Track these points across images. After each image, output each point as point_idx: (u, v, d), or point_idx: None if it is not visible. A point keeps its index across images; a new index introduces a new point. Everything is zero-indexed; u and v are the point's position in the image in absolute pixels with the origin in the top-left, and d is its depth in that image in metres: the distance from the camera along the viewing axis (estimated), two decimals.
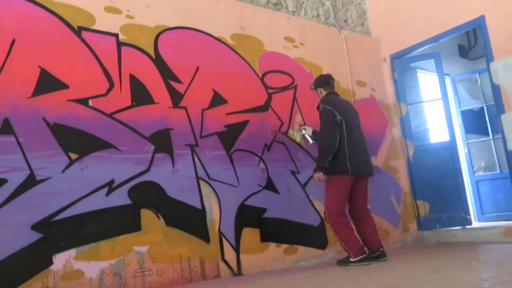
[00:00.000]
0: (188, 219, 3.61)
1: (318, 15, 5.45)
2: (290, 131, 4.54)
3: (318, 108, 3.98)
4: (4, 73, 3.01)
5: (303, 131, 4.45)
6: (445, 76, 5.99)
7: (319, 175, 3.83)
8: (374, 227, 4.00)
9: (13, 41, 3.10)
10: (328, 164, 3.80)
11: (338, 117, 3.81)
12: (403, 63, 5.74)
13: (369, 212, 4.05)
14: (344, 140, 3.81)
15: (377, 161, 5.24)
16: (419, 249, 4.64)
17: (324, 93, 4.10)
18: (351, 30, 5.76)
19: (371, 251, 3.87)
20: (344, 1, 5.87)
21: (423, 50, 5.56)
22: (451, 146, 5.35)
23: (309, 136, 4.39)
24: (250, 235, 3.94)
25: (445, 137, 5.44)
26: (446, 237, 5.13)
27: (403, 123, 5.63)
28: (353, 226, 3.95)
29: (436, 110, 5.78)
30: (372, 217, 4.05)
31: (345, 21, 5.79)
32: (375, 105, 5.53)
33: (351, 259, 3.73)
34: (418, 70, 5.95)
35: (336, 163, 3.80)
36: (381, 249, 3.88)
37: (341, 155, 3.79)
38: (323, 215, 4.21)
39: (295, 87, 4.72)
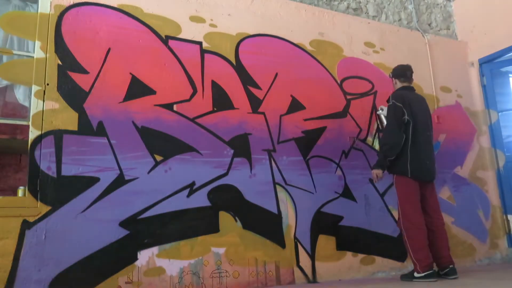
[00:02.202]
0: (264, 224, 3.65)
1: (400, 19, 5.27)
2: (369, 138, 4.42)
3: (387, 101, 3.77)
4: (100, 79, 3.27)
5: (380, 110, 4.10)
6: None
7: (378, 172, 3.64)
8: (446, 241, 3.66)
9: (109, 50, 3.35)
10: (390, 163, 3.62)
11: (406, 117, 3.60)
12: (493, 67, 5.37)
13: (442, 222, 3.71)
14: (408, 142, 3.60)
15: (463, 171, 4.94)
16: (509, 268, 4.28)
17: (398, 85, 3.88)
18: (435, 33, 5.50)
19: (440, 267, 3.57)
20: (428, 4, 5.63)
21: None
22: None
23: (385, 117, 3.94)
24: (326, 242, 3.88)
25: None
26: None
27: (492, 132, 5.26)
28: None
29: None
30: (445, 230, 3.70)
31: (429, 24, 5.54)
32: (461, 112, 5.22)
33: (416, 274, 3.47)
34: (510, 75, 5.52)
35: (397, 163, 3.61)
36: (451, 266, 3.55)
37: (402, 157, 3.59)
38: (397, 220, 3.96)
39: (375, 93, 4.60)
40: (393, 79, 3.97)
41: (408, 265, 4.21)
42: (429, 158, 3.69)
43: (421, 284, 3.36)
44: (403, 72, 3.89)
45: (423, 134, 3.68)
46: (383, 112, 4.04)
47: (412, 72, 3.92)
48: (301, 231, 3.79)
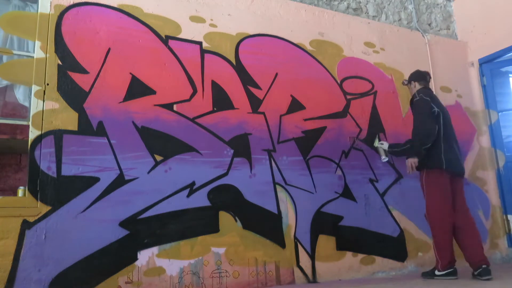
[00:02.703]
0: (264, 223, 3.65)
1: (400, 19, 5.27)
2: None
3: (411, 100, 3.84)
4: (100, 79, 3.27)
5: (380, 144, 4.14)
6: None
7: (414, 160, 3.58)
8: (477, 238, 3.54)
9: (108, 50, 3.35)
10: (422, 157, 3.59)
11: (436, 109, 3.67)
12: (493, 67, 5.37)
13: (472, 219, 3.64)
14: (440, 133, 3.63)
15: None
16: (508, 268, 4.28)
17: (418, 87, 3.93)
18: (435, 33, 5.50)
19: (473, 267, 3.49)
20: (428, 4, 5.63)
21: None
22: None
23: (384, 150, 4.07)
24: (326, 242, 3.88)
25: None
26: None
27: (492, 132, 5.26)
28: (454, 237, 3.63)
29: None
30: (477, 228, 3.61)
31: (429, 24, 5.55)
32: (461, 112, 5.22)
33: (436, 272, 3.54)
34: (510, 75, 5.52)
35: (430, 156, 3.59)
36: (484, 266, 3.40)
37: (436, 148, 3.59)
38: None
39: (375, 93, 4.60)
40: (412, 83, 4.02)
41: (407, 265, 4.22)
42: (458, 152, 3.73)
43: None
44: (423, 76, 3.98)
45: (450, 128, 3.75)
46: (383, 146, 4.10)
47: (430, 77, 4.04)
48: (301, 231, 3.78)
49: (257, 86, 3.92)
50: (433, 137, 3.56)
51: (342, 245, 3.94)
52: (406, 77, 4.66)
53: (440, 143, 3.62)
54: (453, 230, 3.59)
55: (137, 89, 3.40)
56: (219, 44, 3.85)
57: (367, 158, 4.33)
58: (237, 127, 3.73)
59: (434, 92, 4.04)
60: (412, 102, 3.86)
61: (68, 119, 3.11)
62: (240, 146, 3.70)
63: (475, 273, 3.47)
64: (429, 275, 3.63)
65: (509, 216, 5.02)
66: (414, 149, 3.62)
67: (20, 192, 3.05)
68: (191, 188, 3.42)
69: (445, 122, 3.72)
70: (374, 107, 4.54)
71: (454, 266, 3.53)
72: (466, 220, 3.60)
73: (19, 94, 3.74)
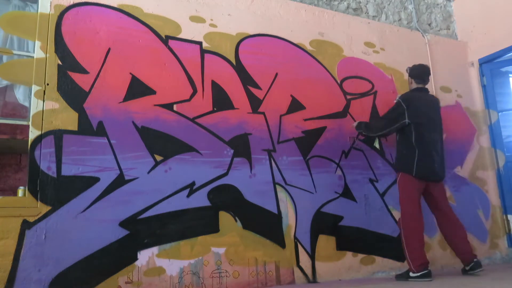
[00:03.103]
0: (264, 223, 3.65)
1: (400, 19, 5.28)
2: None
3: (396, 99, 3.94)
4: (100, 79, 3.27)
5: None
6: None
7: (354, 125, 4.10)
8: (464, 236, 3.72)
9: (108, 50, 3.35)
10: (396, 161, 3.90)
11: (407, 120, 3.73)
12: (493, 67, 5.37)
13: (455, 217, 3.79)
14: (412, 142, 3.71)
15: (463, 171, 4.95)
16: (509, 268, 4.28)
17: (413, 85, 4.00)
18: (435, 33, 5.50)
19: (464, 263, 3.68)
20: (428, 4, 5.64)
21: None
22: None
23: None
24: (326, 242, 3.88)
25: None
26: None
27: (492, 132, 5.26)
28: (446, 238, 3.81)
29: None
30: (462, 225, 3.77)
31: (429, 24, 5.55)
32: (461, 112, 5.22)
33: (411, 274, 3.53)
34: (510, 75, 5.52)
35: (403, 161, 3.76)
36: (475, 260, 3.62)
37: (409, 156, 3.71)
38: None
39: (375, 93, 4.60)
40: (409, 78, 4.08)
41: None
42: (436, 159, 3.74)
43: (420, 283, 3.37)
44: (421, 74, 3.99)
45: (430, 135, 3.76)
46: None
47: (429, 74, 4.04)
48: (301, 231, 3.78)
49: (257, 86, 3.92)
50: (374, 132, 3.93)
51: (342, 245, 3.94)
52: (406, 77, 4.69)
53: (414, 151, 3.70)
54: (444, 232, 3.79)
55: (137, 89, 3.40)
56: (219, 44, 3.85)
57: (367, 158, 4.33)
58: (237, 127, 3.73)
59: (429, 92, 4.04)
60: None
61: (68, 119, 3.11)
62: (240, 146, 3.70)
63: (467, 268, 3.63)
64: (403, 277, 3.61)
65: (509, 216, 5.02)
66: (359, 125, 4.04)
67: (20, 192, 3.06)
68: (191, 188, 3.42)
69: (424, 129, 3.74)
70: (374, 107, 4.54)
71: (428, 268, 3.53)
72: (449, 219, 3.76)
73: (19, 94, 3.74)
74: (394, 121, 3.78)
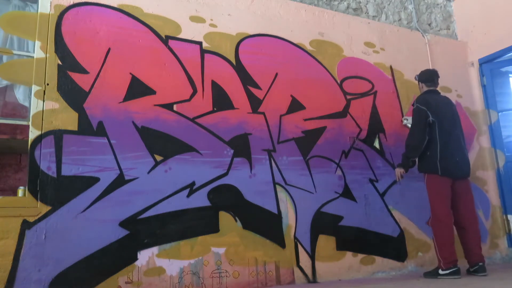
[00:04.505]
0: (264, 223, 3.64)
1: (400, 19, 5.28)
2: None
3: (412, 104, 3.98)
4: (100, 79, 3.27)
5: (405, 121, 4.50)
6: None
7: (401, 170, 3.87)
8: (477, 238, 3.78)
9: (108, 50, 3.35)
10: (420, 162, 3.85)
11: (431, 118, 3.76)
12: (493, 67, 5.37)
13: (476, 220, 3.85)
14: (436, 140, 3.75)
15: None
16: (509, 268, 4.28)
17: (424, 89, 4.06)
18: (435, 33, 5.50)
19: (470, 264, 3.72)
20: (428, 4, 5.63)
21: None
22: None
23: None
24: (326, 242, 3.88)
25: None
26: None
27: (492, 132, 5.26)
28: (458, 236, 3.82)
29: None
30: (478, 228, 3.82)
31: (429, 24, 5.55)
32: (461, 112, 5.18)
33: (440, 271, 3.59)
34: (510, 75, 5.52)
35: (427, 162, 3.77)
36: (481, 263, 3.66)
37: (432, 155, 3.75)
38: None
39: (375, 93, 4.60)
40: (420, 83, 4.13)
41: (407, 265, 4.22)
42: (459, 155, 3.81)
43: (421, 283, 3.37)
44: (430, 78, 4.06)
45: (451, 133, 3.82)
46: (408, 121, 4.37)
47: (438, 76, 4.09)
48: (301, 231, 3.78)
49: (257, 86, 3.92)
50: (419, 150, 3.76)
51: (342, 245, 3.94)
52: (406, 77, 4.74)
53: (436, 151, 3.73)
54: (457, 229, 3.79)
55: (137, 89, 3.40)
56: (219, 44, 3.85)
57: (367, 158, 4.33)
58: (237, 127, 3.73)
59: (440, 93, 4.07)
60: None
61: (68, 119, 3.11)
62: (240, 146, 3.70)
63: (471, 269, 3.69)
64: (432, 274, 3.66)
65: (509, 216, 5.02)
66: (402, 161, 3.89)
67: (20, 192, 3.05)
68: (191, 188, 3.42)
69: (445, 127, 3.79)
70: (374, 107, 4.54)
71: (457, 266, 3.58)
72: (470, 220, 3.78)
73: (19, 94, 3.74)
74: (423, 124, 3.77)
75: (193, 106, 3.59)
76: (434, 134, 3.76)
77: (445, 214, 3.67)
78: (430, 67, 5.07)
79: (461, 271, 3.62)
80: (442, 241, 3.61)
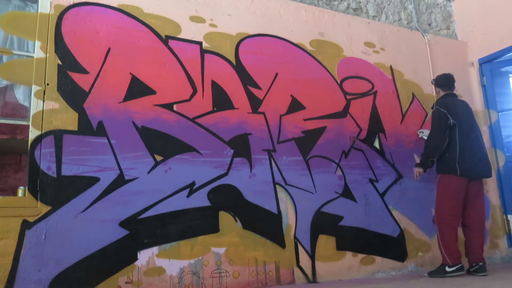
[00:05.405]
0: (264, 223, 3.64)
1: (400, 19, 5.27)
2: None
3: (432, 107, 4.07)
4: (100, 79, 3.27)
5: (421, 134, 4.54)
6: None
7: (420, 170, 3.92)
8: (480, 238, 3.87)
9: (108, 50, 3.35)
10: (438, 163, 3.91)
11: (451, 120, 3.83)
12: (493, 67, 5.37)
13: (483, 222, 3.92)
14: (455, 142, 3.82)
15: None
16: (509, 268, 4.28)
17: (441, 93, 4.15)
18: (435, 33, 5.50)
19: (470, 264, 3.79)
20: (428, 4, 5.63)
21: None
22: None
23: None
24: (326, 242, 3.88)
25: None
26: None
27: (492, 132, 5.26)
28: (462, 234, 3.89)
29: None
30: (482, 228, 3.90)
31: (429, 24, 5.54)
32: None
33: (447, 268, 3.65)
34: (510, 75, 5.52)
35: (446, 163, 3.83)
36: (481, 263, 3.73)
37: (451, 156, 3.81)
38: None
39: (375, 93, 4.60)
40: (436, 88, 4.25)
41: (407, 265, 4.22)
42: (477, 156, 3.87)
43: (421, 283, 3.37)
44: (447, 82, 4.16)
45: (470, 135, 3.89)
46: (424, 134, 4.45)
47: (455, 81, 4.18)
48: (301, 231, 3.78)
49: (257, 86, 3.92)
50: (439, 151, 3.82)
51: (342, 245, 3.94)
52: (406, 77, 4.76)
53: (456, 152, 3.80)
54: (463, 227, 3.90)
55: (137, 89, 3.40)
56: (219, 44, 3.85)
57: (367, 158, 4.33)
58: (237, 127, 3.73)
59: (457, 96, 4.17)
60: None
61: (68, 119, 3.11)
62: (240, 146, 3.70)
63: (471, 269, 3.74)
64: (438, 273, 3.70)
65: (509, 216, 5.03)
66: (421, 161, 3.95)
67: (20, 192, 3.05)
68: (191, 188, 3.42)
69: (464, 129, 3.86)
70: (374, 107, 4.54)
71: (461, 263, 3.67)
72: (476, 221, 3.86)
73: (19, 94, 3.74)
74: (444, 126, 3.83)
75: (193, 106, 3.59)
76: (454, 136, 3.84)
77: (453, 211, 3.74)
78: (430, 67, 5.09)
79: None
80: (447, 239, 3.69)
